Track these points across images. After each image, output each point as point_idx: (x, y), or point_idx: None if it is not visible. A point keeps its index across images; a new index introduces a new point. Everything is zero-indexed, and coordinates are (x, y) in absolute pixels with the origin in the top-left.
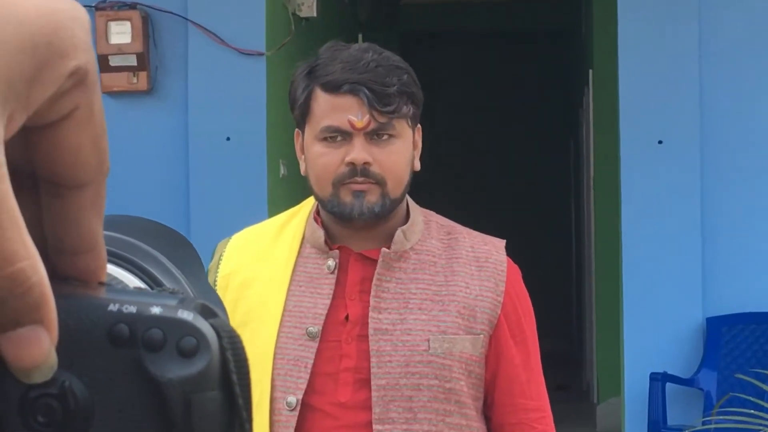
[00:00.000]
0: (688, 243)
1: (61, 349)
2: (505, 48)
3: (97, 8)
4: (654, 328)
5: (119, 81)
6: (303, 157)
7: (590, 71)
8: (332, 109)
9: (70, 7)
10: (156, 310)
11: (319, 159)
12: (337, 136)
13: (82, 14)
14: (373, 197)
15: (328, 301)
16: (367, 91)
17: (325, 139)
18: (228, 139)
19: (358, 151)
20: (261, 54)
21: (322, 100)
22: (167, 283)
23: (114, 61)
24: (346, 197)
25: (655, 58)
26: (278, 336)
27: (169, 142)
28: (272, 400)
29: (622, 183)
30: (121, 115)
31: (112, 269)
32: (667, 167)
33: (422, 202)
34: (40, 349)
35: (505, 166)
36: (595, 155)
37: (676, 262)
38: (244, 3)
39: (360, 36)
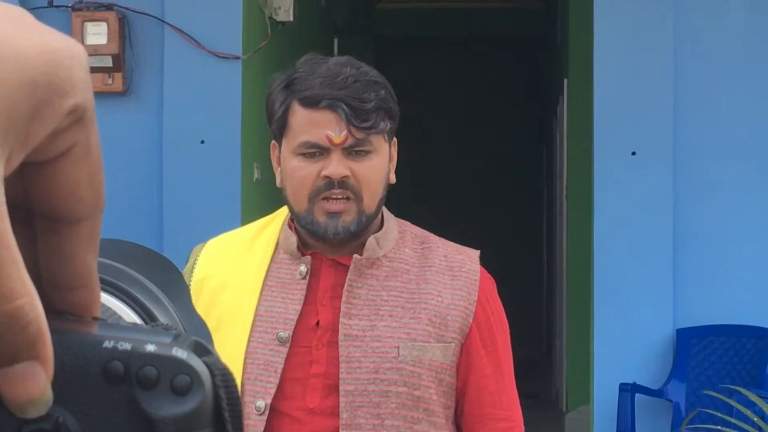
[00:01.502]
0: (659, 254)
1: (56, 384)
2: (480, 54)
3: (73, 8)
4: (624, 338)
5: (94, 82)
6: (279, 169)
7: (565, 80)
8: (310, 124)
9: (68, 46)
10: (151, 347)
11: (297, 173)
12: (314, 151)
13: (81, 53)
14: (348, 217)
15: (299, 307)
16: (345, 107)
17: (303, 154)
18: (202, 142)
19: (336, 166)
20: (237, 57)
21: (300, 115)
22: (157, 312)
23: (90, 62)
24: (321, 216)
25: (630, 70)
26: (249, 340)
27: (144, 143)
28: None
29: (594, 193)
30: (96, 116)
31: (104, 297)
32: (639, 179)
33: (393, 208)
34: (36, 384)
35: (477, 173)
36: (568, 165)
37: (648, 273)
38: (220, 6)
39: (336, 40)
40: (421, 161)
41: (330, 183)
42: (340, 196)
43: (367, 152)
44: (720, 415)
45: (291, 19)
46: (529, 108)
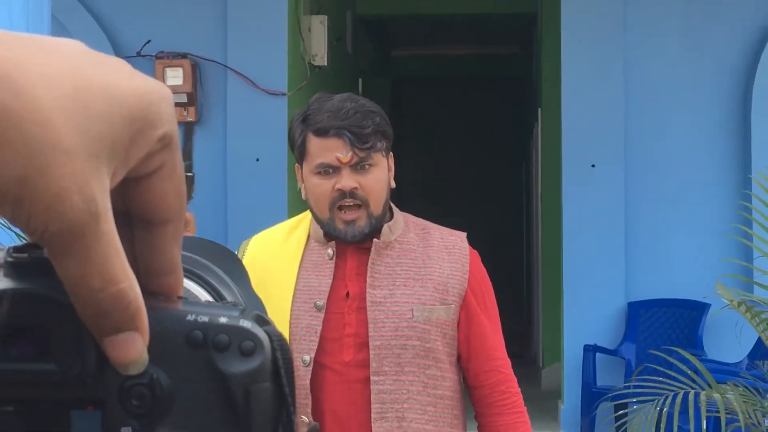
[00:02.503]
0: (614, 244)
1: (150, 349)
2: (474, 90)
3: (156, 57)
4: (587, 309)
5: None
6: (303, 185)
7: (539, 109)
8: (323, 149)
9: (158, 88)
10: (223, 319)
11: (317, 189)
12: (328, 170)
13: (168, 93)
14: (362, 222)
15: (330, 281)
16: (348, 134)
17: (319, 173)
18: (257, 160)
19: (346, 180)
20: (284, 94)
21: (314, 143)
22: (224, 292)
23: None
24: (340, 224)
25: (590, 101)
26: (292, 309)
27: (212, 162)
28: None
29: (563, 197)
30: None
31: (185, 282)
32: (598, 185)
33: (409, 209)
34: (135, 349)
35: (472, 184)
36: (542, 176)
37: (605, 259)
38: (271, 54)
39: (360, 80)
40: (428, 174)
41: (343, 194)
42: (351, 204)
43: (370, 166)
44: (662, 368)
45: (325, 63)
46: (510, 132)
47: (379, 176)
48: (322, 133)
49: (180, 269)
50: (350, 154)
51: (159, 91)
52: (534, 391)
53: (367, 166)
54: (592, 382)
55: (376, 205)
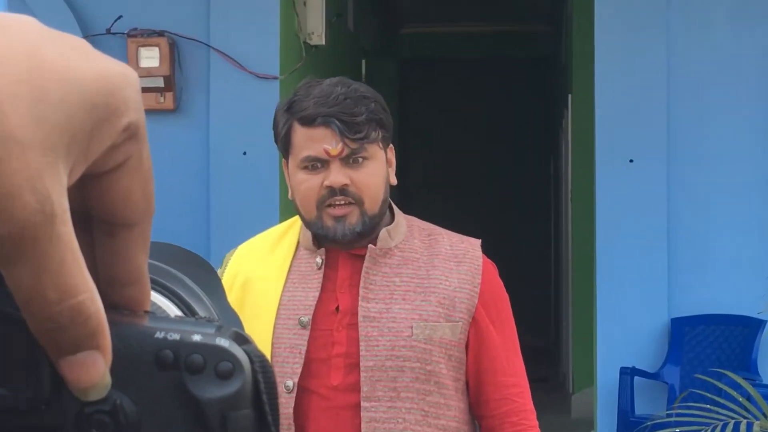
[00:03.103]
0: (655, 250)
1: (113, 371)
2: (494, 73)
3: (128, 35)
4: (624, 326)
5: (148, 101)
6: (290, 183)
7: (569, 96)
8: (309, 140)
9: (123, 71)
10: (197, 337)
11: (302, 185)
12: (316, 164)
13: (134, 77)
14: (353, 219)
15: (317, 294)
16: (337, 122)
17: (305, 167)
18: (245, 153)
19: (335, 176)
20: (275, 78)
21: (299, 133)
22: (196, 306)
23: (143, 82)
24: (329, 221)
25: (628, 86)
26: (275, 327)
27: (192, 155)
28: None
29: (597, 196)
30: (149, 131)
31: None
32: (636, 183)
33: (420, 207)
34: (96, 371)
35: (491, 181)
36: (572, 171)
37: (645, 267)
38: (260, 32)
39: (364, 62)
40: (442, 169)
41: (332, 191)
42: (342, 202)
43: (364, 159)
44: (710, 395)
45: (323, 43)
46: (537, 120)
47: (375, 171)
48: (307, 121)
49: (147, 279)
50: (340, 145)
51: (124, 75)
52: (563, 421)
53: (360, 160)
54: (629, 410)
55: (372, 204)
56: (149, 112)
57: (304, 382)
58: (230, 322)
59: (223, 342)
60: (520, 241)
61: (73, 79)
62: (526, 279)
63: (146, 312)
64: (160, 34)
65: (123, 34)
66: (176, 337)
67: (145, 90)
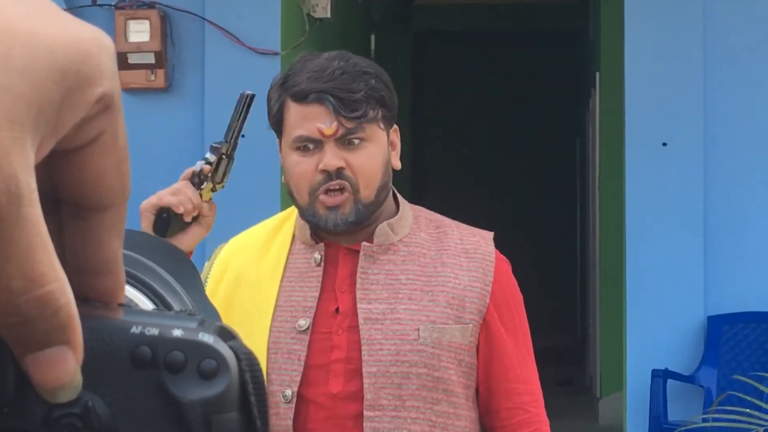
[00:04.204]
0: (690, 242)
1: (85, 369)
2: (515, 48)
3: (116, 7)
4: (656, 325)
5: (137, 78)
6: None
7: (597, 74)
8: (302, 118)
9: (96, 36)
10: (177, 332)
11: (295, 168)
12: (309, 144)
13: (108, 42)
14: (346, 208)
15: (317, 294)
16: (332, 99)
17: (298, 148)
18: (243, 136)
19: (330, 158)
20: (276, 53)
21: (292, 110)
22: (170, 299)
23: (132, 58)
24: (321, 210)
25: (661, 62)
26: (271, 330)
27: (186, 137)
28: (269, 393)
29: (626, 183)
30: (139, 111)
31: None
32: (671, 169)
33: (437, 194)
34: (66, 369)
35: (513, 164)
36: (600, 155)
37: (679, 261)
38: (259, 3)
39: (373, 36)
40: (458, 151)
41: (328, 175)
42: (337, 187)
43: (361, 140)
44: (750, 398)
45: (328, 15)
46: (562, 99)
47: (374, 153)
48: (300, 97)
49: (121, 268)
50: (335, 124)
51: (97, 40)
52: (589, 427)
53: (356, 141)
54: (662, 416)
55: (368, 190)
56: (139, 90)
57: (302, 389)
58: (208, 316)
59: (207, 338)
60: (542, 232)
61: (40, 44)
62: (550, 270)
63: (120, 305)
64: (151, 5)
65: (110, 5)
66: (154, 332)
67: (134, 67)
